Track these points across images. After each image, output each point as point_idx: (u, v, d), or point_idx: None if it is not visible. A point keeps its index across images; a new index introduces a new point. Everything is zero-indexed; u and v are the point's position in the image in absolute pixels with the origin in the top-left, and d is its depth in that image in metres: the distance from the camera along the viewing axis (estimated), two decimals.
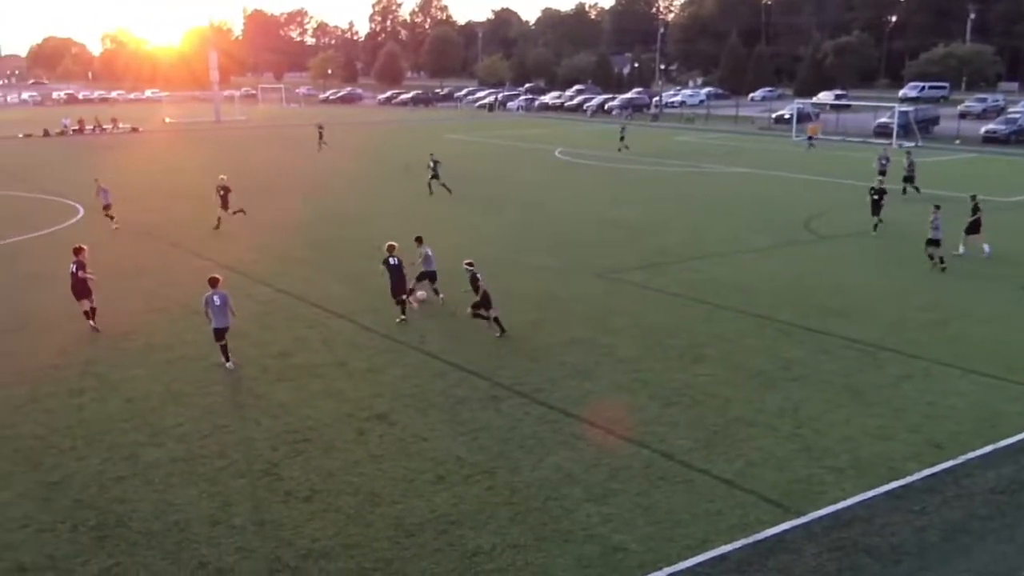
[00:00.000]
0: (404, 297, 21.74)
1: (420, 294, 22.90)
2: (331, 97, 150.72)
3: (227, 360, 18.31)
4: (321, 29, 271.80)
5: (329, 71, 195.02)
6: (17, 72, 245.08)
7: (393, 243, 21.79)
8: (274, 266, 27.40)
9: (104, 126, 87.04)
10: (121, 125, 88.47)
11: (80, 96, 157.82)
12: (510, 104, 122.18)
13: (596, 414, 15.75)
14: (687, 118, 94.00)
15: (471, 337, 20.23)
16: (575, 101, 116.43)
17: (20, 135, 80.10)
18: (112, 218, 34.00)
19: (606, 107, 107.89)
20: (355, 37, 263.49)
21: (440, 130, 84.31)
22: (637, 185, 45.83)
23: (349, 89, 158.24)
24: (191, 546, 11.65)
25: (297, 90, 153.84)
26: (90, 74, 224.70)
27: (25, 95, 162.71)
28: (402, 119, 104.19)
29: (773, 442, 14.59)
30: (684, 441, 14.62)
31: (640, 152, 60.81)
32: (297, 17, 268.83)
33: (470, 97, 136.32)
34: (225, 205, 33.71)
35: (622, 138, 62.23)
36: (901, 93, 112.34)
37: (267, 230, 33.38)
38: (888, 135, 65.95)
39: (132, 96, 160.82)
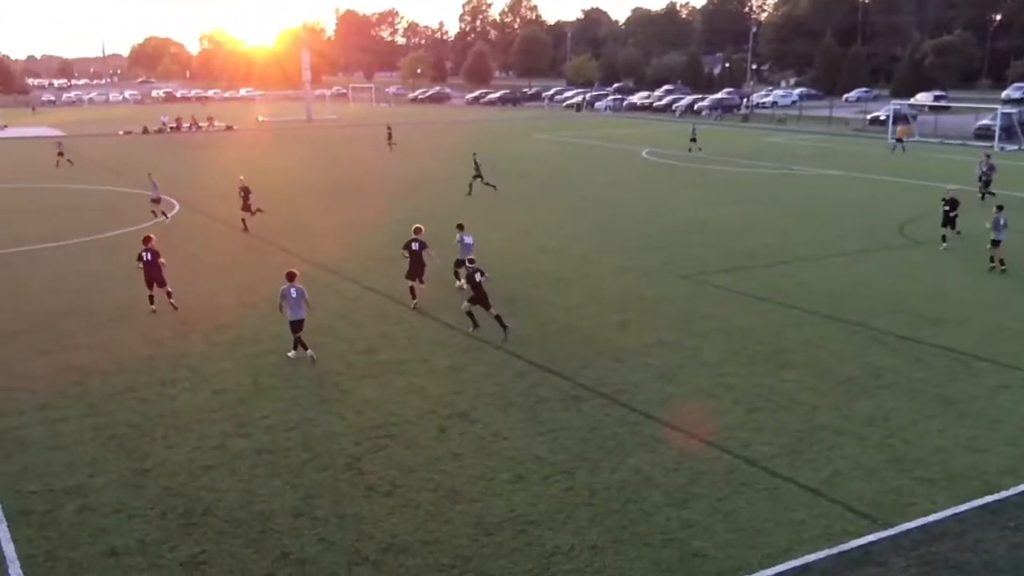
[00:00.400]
0: (415, 283, 22.71)
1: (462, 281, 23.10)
2: (420, 96, 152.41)
3: (306, 349, 18.69)
4: (411, 29, 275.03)
5: (419, 71, 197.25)
6: (119, 71, 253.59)
7: (419, 226, 22.92)
8: (362, 263, 27.81)
9: (200, 124, 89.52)
10: (216, 123, 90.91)
11: (178, 94, 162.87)
12: (598, 104, 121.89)
13: (678, 417, 15.61)
14: (778, 119, 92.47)
15: (553, 337, 20.24)
16: (664, 101, 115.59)
17: (121, 132, 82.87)
18: (155, 213, 34.69)
19: (695, 107, 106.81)
20: (445, 37, 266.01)
21: (527, 130, 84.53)
22: (725, 187, 45.27)
23: (438, 88, 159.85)
24: (274, 536, 11.91)
25: (387, 89, 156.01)
26: (188, 73, 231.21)
27: (126, 93, 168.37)
28: (489, 119, 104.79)
29: (861, 451, 14.26)
30: (768, 447, 14.40)
31: (729, 153, 60.04)
32: (388, 17, 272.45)
33: (558, 97, 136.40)
34: (246, 207, 33.48)
35: (693, 139, 61.61)
36: (1004, 94, 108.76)
37: (356, 228, 33.91)
38: (989, 138, 63.89)
39: (227, 95, 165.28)
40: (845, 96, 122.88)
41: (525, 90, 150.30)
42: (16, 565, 11.25)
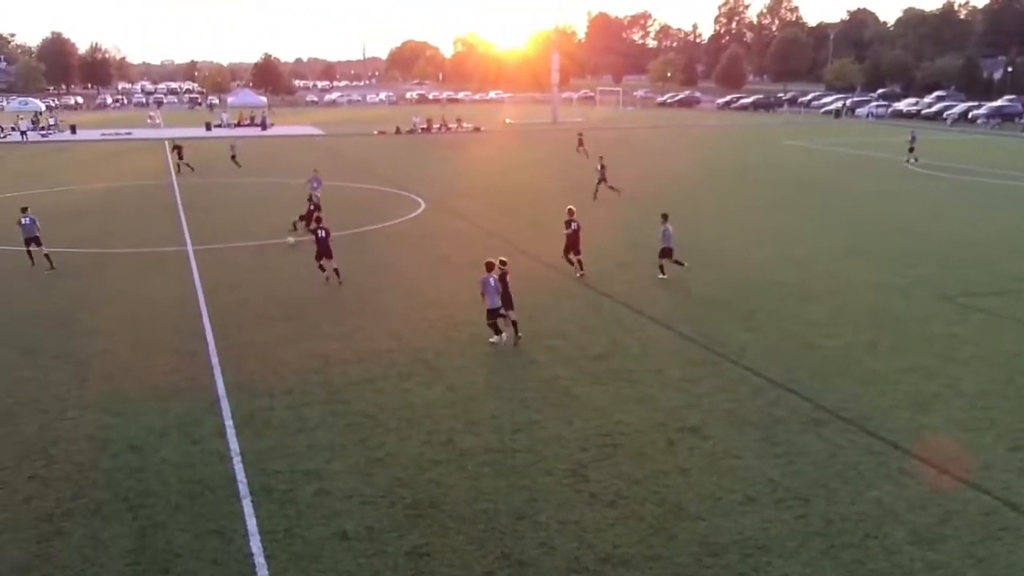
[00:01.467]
0: (575, 257, 26.91)
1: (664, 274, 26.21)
2: (669, 100, 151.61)
3: (497, 334, 20.34)
4: (663, 31, 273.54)
5: (668, 74, 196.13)
6: (377, 73, 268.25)
7: (572, 207, 27.63)
8: (598, 267, 27.96)
9: (449, 125, 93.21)
10: (465, 124, 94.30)
11: (430, 96, 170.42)
12: (859, 110, 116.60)
13: (930, 450, 14.66)
14: None
15: (795, 354, 19.54)
16: (934, 109, 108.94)
17: (375, 132, 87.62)
18: (298, 221, 35.29)
19: (969, 115, 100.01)
20: (698, 40, 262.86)
21: (778, 136, 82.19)
22: (1000, 201, 42.10)
23: (688, 92, 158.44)
24: (496, 535, 12.19)
25: (635, 93, 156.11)
26: (440, 75, 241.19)
27: (382, 95, 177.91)
28: (740, 124, 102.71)
29: None
30: None
31: (1006, 165, 55.82)
32: (640, 19, 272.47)
33: (815, 102, 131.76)
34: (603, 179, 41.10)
35: (911, 149, 57.58)
36: None
37: (595, 230, 34.11)
38: None
39: (477, 97, 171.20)
40: None
41: (780, 95, 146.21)
42: (256, 539, 12.12)
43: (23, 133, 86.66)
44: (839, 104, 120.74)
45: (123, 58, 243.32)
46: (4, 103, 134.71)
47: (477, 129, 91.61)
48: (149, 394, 17.46)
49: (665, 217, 26.62)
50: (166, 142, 70.84)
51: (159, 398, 17.23)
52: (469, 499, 13.19)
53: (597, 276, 26.93)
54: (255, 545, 11.97)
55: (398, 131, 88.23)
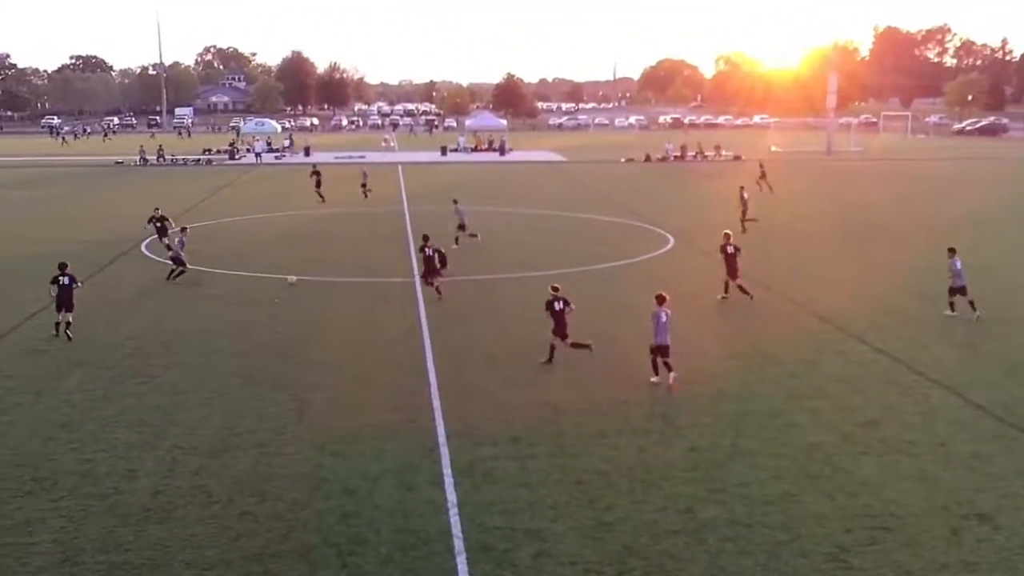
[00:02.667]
0: (734, 282, 28.83)
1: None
2: (967, 128, 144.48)
3: (669, 370, 21.07)
4: (965, 48, 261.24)
5: (969, 97, 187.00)
6: (627, 95, 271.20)
7: (728, 232, 29.71)
8: (873, 319, 26.87)
9: (706, 153, 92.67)
10: (724, 152, 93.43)
11: (686, 121, 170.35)
12: None
13: None
14: None
15: None
16: None
17: (622, 160, 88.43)
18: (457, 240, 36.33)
19: None
20: (1007, 57, 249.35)
21: None
22: None
23: (992, 118, 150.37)
24: None
25: (927, 119, 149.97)
26: (699, 98, 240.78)
27: (632, 118, 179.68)
28: None
29: None
30: None
31: None
32: (937, 34, 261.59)
33: None
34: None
35: None
36: None
37: (871, 276, 32.89)
38: None
39: (739, 122, 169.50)
40: None
41: None
42: None
43: (257, 155, 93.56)
44: None
45: (361, 78, 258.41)
46: (241, 123, 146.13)
47: (737, 158, 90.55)
48: (366, 433, 18.23)
49: (952, 251, 26.84)
50: (399, 166, 74.40)
51: (376, 438, 17.95)
52: None
53: (869, 328, 25.87)
54: None
55: (648, 159, 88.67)
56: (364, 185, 59.17)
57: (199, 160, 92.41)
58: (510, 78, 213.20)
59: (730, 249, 28.86)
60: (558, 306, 22.59)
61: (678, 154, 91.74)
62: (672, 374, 21.07)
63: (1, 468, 16.75)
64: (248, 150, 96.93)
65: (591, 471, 16.47)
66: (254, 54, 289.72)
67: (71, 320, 25.46)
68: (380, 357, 23.66)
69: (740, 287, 28.92)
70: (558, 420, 19.00)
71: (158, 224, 39.16)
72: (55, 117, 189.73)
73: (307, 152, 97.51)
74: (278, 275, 31.55)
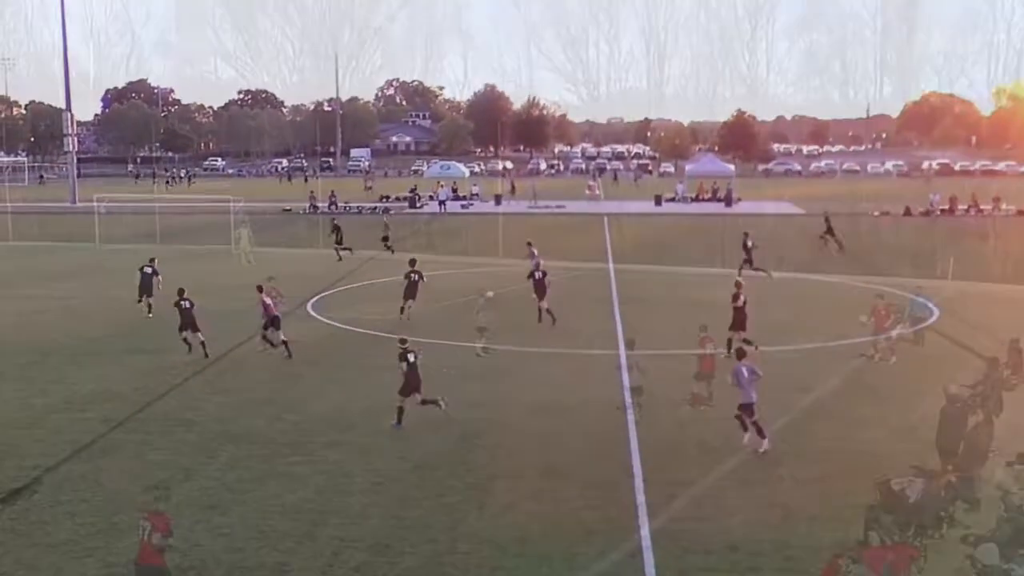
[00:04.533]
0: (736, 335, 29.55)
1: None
2: None
3: (746, 432, 22.50)
4: None
5: None
6: (883, 135, 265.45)
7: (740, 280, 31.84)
8: None
9: (982, 206, 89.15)
10: (1005, 206, 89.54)
11: (957, 167, 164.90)
12: None
13: None
14: None
15: None
16: None
17: (875, 213, 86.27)
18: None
19: None
20: None
21: None
22: None
23: None
24: None
25: None
26: (974, 139, 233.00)
27: (889, 164, 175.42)
28: None
29: None
30: None
31: None
32: None
33: None
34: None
35: None
36: None
37: None
38: None
39: (1023, 169, 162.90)
40: None
41: None
42: None
43: (442, 203, 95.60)
44: None
45: (563, 115, 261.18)
46: (424, 166, 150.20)
47: (1021, 212, 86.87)
48: (555, 533, 18.21)
49: None
50: (605, 217, 74.81)
51: (567, 539, 17.91)
52: None
53: None
54: None
55: (908, 212, 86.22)
56: (386, 239, 60.62)
57: (374, 209, 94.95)
58: (740, 115, 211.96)
59: (741, 299, 30.73)
60: (411, 358, 24.64)
61: (946, 207, 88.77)
62: (764, 441, 22.41)
63: None
64: (431, 197, 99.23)
65: None
66: (442, 88, 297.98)
67: (203, 340, 31.87)
68: (576, 444, 23.67)
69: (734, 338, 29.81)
70: (786, 527, 18.62)
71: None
72: (219, 158, 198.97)
73: (498, 200, 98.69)
74: (457, 343, 31.99)
